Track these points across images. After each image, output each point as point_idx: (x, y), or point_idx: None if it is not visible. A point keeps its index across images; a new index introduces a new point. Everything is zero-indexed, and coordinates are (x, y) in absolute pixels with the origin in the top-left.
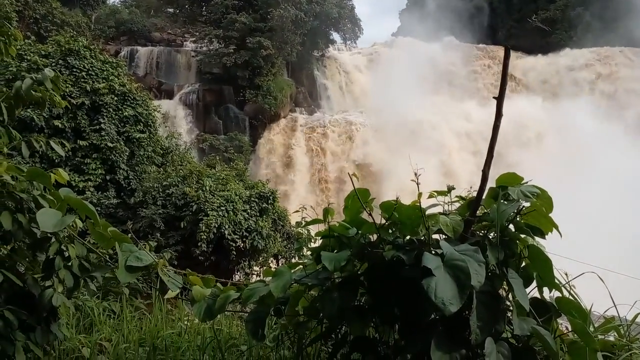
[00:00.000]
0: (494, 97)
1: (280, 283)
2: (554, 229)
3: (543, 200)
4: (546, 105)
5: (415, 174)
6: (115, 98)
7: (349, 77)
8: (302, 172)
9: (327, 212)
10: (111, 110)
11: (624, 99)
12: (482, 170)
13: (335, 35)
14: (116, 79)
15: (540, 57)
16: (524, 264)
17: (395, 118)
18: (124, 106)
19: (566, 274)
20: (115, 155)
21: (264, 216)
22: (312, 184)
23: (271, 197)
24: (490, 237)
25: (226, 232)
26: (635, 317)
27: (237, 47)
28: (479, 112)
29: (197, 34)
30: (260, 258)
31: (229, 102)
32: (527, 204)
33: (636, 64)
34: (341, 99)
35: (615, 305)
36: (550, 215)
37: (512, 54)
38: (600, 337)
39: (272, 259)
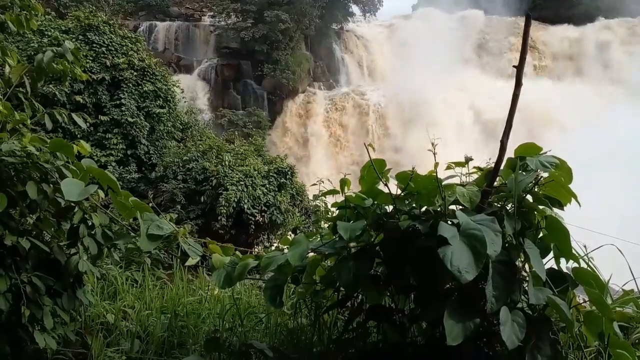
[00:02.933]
0: (513, 66)
1: (297, 252)
2: (572, 200)
3: (562, 170)
4: (569, 80)
5: (432, 144)
6: (135, 73)
7: (368, 50)
8: (320, 147)
9: (343, 182)
10: (131, 85)
11: None
12: (501, 140)
13: (355, 8)
14: (135, 54)
15: (567, 28)
16: (541, 234)
17: (413, 94)
18: (144, 81)
19: (584, 246)
20: (136, 130)
21: (282, 191)
22: (330, 158)
23: (289, 172)
24: (508, 207)
25: (245, 206)
26: None
27: (255, 21)
28: (504, 88)
29: (215, 8)
30: (279, 232)
31: (247, 77)
32: (546, 175)
33: None
34: (360, 73)
35: (634, 278)
36: (569, 186)
37: (537, 25)
38: (618, 309)
39: (290, 233)
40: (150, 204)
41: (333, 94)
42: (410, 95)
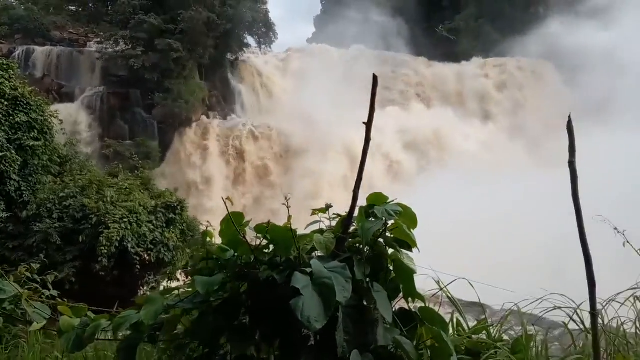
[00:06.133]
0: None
1: (151, 310)
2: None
3: (406, 217)
4: (450, 114)
5: (286, 198)
6: (6, 103)
7: (263, 81)
8: (215, 177)
9: (205, 234)
10: (1, 116)
11: (522, 109)
12: (353, 191)
13: (250, 39)
14: (7, 82)
15: (447, 66)
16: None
17: (306, 126)
18: (16, 112)
19: (438, 282)
20: (5, 164)
21: (171, 227)
22: (228, 190)
23: (179, 207)
24: (361, 253)
25: (129, 245)
26: (505, 317)
27: (146, 49)
28: (390, 121)
29: (102, 34)
30: (168, 271)
31: (137, 106)
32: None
33: (528, 73)
34: (256, 103)
35: (483, 307)
36: (412, 231)
37: (423, 62)
38: (474, 336)
39: (180, 271)
40: None
41: (228, 124)
42: (307, 127)
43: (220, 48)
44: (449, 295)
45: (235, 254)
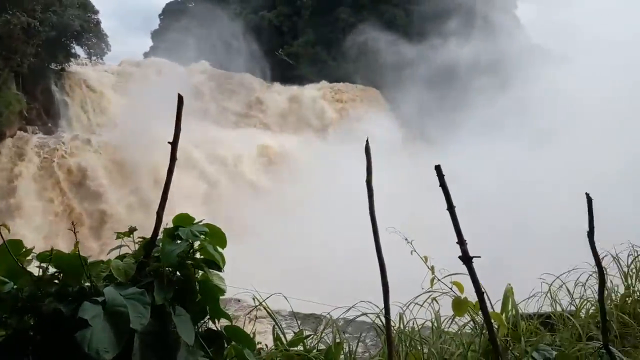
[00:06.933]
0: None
1: None
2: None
3: (214, 238)
4: (287, 136)
5: (73, 223)
6: None
7: (94, 94)
8: (31, 201)
9: None
10: None
11: (353, 129)
12: (157, 212)
13: (79, 50)
14: None
15: (285, 88)
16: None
17: (141, 141)
18: None
19: (254, 298)
20: None
21: None
22: (46, 214)
23: None
24: (164, 276)
25: None
26: (324, 327)
27: None
28: (227, 138)
29: None
30: None
31: None
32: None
33: (361, 98)
34: (84, 117)
35: (297, 320)
36: (219, 250)
37: (262, 83)
38: (293, 349)
39: None
40: None
41: (50, 140)
42: (139, 142)
43: (43, 57)
44: (267, 309)
45: (15, 286)
